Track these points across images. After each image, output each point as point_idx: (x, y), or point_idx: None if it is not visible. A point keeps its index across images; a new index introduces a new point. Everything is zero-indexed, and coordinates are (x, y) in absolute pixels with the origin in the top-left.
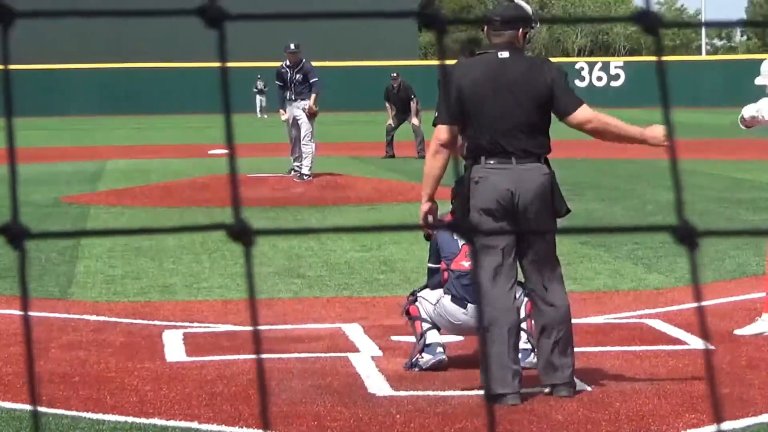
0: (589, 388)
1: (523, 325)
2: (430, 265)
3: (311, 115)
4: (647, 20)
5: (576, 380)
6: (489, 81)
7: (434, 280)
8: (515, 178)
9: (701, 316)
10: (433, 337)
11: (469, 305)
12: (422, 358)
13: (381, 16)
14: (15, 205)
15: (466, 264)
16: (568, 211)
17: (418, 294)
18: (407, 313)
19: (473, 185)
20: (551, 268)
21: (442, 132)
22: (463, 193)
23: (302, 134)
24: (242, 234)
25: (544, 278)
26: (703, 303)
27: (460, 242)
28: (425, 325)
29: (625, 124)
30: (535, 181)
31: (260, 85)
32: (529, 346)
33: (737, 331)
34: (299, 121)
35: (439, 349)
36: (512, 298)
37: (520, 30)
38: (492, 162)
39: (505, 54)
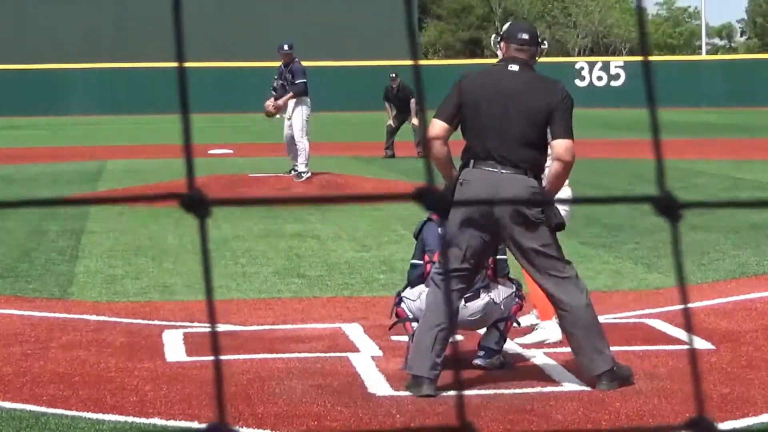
0: (589, 388)
1: (501, 325)
2: (413, 261)
3: (268, 114)
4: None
5: (608, 377)
6: (488, 89)
7: (414, 275)
8: (494, 185)
9: (683, 295)
10: None
11: None
12: None
13: None
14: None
15: None
16: (560, 226)
17: (402, 294)
18: (396, 315)
19: (458, 186)
20: (556, 271)
21: (434, 127)
22: (450, 191)
23: (294, 132)
24: (196, 205)
25: (550, 283)
26: (701, 303)
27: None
28: (415, 325)
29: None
30: (514, 192)
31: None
32: (497, 347)
33: (518, 340)
34: (291, 120)
35: None
36: (456, 298)
37: (537, 48)
38: (478, 167)
39: (514, 67)
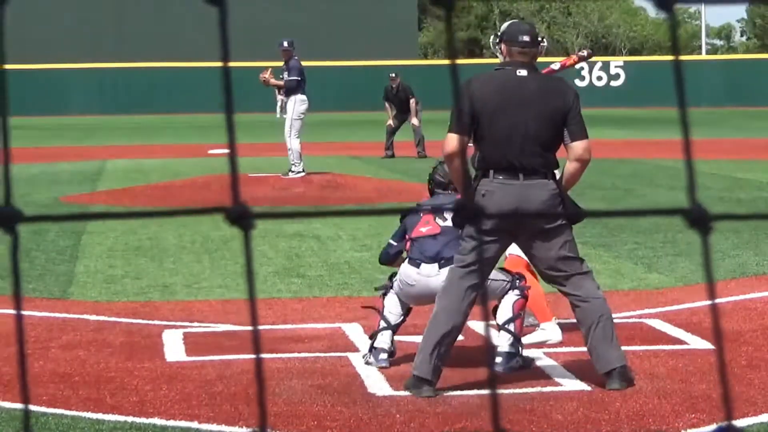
0: (589, 388)
1: (510, 327)
2: (392, 241)
3: (264, 82)
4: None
5: (622, 374)
6: (505, 97)
7: (392, 253)
8: (520, 195)
9: (713, 295)
10: (382, 341)
11: (422, 264)
12: (369, 357)
13: None
14: (8, 187)
15: (424, 230)
16: (585, 215)
17: (394, 280)
18: (381, 291)
19: (479, 197)
20: (575, 267)
21: (450, 142)
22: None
23: (285, 129)
24: (241, 218)
25: (570, 278)
26: (701, 303)
27: (422, 214)
28: (382, 324)
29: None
30: (539, 199)
31: None
32: (513, 350)
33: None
34: (284, 117)
35: (382, 356)
36: (467, 305)
37: (537, 48)
38: (500, 177)
39: (523, 72)
